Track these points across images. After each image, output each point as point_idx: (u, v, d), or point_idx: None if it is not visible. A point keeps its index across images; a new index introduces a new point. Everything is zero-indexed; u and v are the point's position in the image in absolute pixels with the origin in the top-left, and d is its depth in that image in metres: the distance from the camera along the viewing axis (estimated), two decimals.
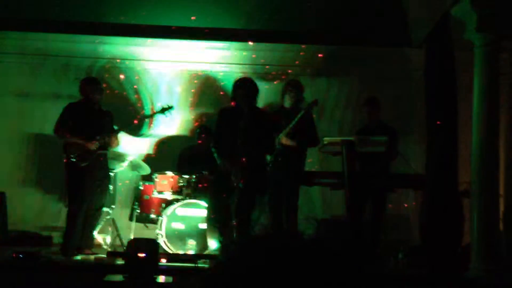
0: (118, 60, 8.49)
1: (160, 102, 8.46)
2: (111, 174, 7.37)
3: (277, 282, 1.36)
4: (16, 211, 7.76)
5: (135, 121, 6.99)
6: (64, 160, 6.60)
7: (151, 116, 7.64)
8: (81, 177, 6.52)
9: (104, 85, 7.21)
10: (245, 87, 6.39)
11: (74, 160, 6.50)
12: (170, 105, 7.20)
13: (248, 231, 6.24)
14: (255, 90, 6.42)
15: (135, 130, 7.65)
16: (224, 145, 6.34)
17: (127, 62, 8.54)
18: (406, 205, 8.16)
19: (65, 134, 6.61)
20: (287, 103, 6.80)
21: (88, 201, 6.63)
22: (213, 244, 6.59)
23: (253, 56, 8.56)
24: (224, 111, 6.64)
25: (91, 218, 6.69)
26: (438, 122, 6.73)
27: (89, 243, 6.71)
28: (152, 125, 8.26)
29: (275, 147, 6.54)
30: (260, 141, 6.30)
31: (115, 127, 6.94)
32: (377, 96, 7.28)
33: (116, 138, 6.92)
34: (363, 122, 7.20)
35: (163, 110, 7.13)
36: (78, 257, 6.39)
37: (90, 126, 6.64)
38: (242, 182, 6.15)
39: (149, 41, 8.46)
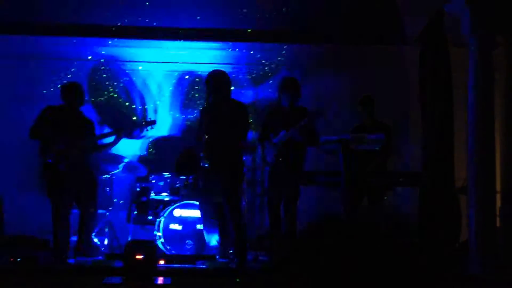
0: (113, 62, 8.50)
1: (153, 104, 8.48)
2: (107, 176, 7.37)
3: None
4: (13, 214, 7.74)
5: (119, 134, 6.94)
6: (42, 163, 6.54)
7: (135, 127, 7.52)
8: (61, 180, 6.45)
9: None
10: (215, 79, 6.39)
11: (51, 161, 6.43)
12: (152, 119, 7.20)
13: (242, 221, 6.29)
14: (224, 82, 6.42)
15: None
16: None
17: (124, 63, 8.55)
18: (403, 203, 8.17)
19: (41, 134, 6.53)
20: (285, 102, 6.80)
21: (80, 205, 6.62)
22: (211, 240, 6.57)
23: (249, 54, 8.57)
24: (203, 110, 6.68)
25: (85, 222, 6.65)
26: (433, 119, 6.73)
27: (86, 247, 6.67)
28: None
29: (247, 135, 6.56)
30: (231, 129, 6.29)
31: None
32: (372, 94, 7.27)
33: (98, 148, 6.88)
34: (358, 120, 7.20)
35: (146, 124, 7.10)
36: (72, 260, 6.35)
37: (66, 130, 6.55)
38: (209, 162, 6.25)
39: (142, 42, 8.46)
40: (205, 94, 6.52)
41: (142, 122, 7.25)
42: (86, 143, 6.62)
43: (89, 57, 8.47)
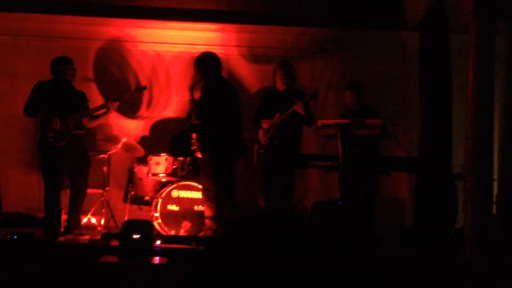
0: (114, 42, 8.46)
1: (158, 84, 8.46)
2: (105, 155, 7.38)
3: (268, 263, 1.36)
4: (10, 192, 7.75)
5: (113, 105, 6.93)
6: (38, 140, 6.58)
7: (125, 93, 7.48)
8: (57, 157, 6.49)
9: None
10: (207, 61, 6.50)
11: (51, 139, 6.47)
12: (143, 86, 7.26)
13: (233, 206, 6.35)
14: (216, 63, 6.50)
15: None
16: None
17: (124, 43, 8.51)
18: (400, 188, 8.18)
19: (38, 112, 6.57)
20: (280, 85, 6.79)
21: (71, 183, 6.65)
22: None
23: (247, 37, 8.53)
24: (192, 89, 6.72)
25: (76, 199, 6.68)
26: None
27: (76, 224, 6.71)
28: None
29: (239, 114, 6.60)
30: (224, 109, 6.38)
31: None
32: (371, 79, 7.26)
33: (92, 118, 6.91)
34: (346, 105, 7.20)
35: (136, 91, 7.17)
36: (62, 238, 6.39)
37: (60, 104, 6.58)
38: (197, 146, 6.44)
39: (146, 22, 8.42)
40: (197, 75, 6.61)
41: (132, 89, 7.26)
42: (80, 116, 6.66)
43: (87, 37, 8.44)
